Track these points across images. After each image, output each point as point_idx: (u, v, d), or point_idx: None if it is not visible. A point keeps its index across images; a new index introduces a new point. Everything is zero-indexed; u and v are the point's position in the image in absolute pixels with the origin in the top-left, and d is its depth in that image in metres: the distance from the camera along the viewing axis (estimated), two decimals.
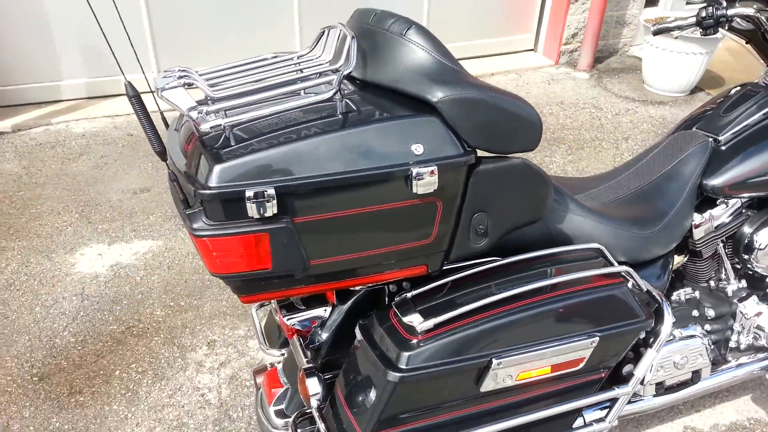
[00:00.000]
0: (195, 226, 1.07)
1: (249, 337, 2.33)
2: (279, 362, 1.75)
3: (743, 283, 1.85)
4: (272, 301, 1.66)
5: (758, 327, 1.82)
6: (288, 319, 1.42)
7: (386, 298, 1.40)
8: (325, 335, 1.45)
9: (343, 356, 1.42)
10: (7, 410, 2.03)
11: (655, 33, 2.11)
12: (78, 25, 3.90)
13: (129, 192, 3.21)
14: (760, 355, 1.85)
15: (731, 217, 1.73)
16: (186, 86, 1.22)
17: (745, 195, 1.68)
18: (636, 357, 1.55)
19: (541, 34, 5.20)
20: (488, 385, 1.26)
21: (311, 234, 1.10)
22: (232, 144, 1.08)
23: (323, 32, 1.36)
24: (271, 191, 1.03)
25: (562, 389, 1.39)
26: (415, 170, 1.09)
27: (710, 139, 1.70)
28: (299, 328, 1.44)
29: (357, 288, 1.39)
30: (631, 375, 1.49)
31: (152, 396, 2.09)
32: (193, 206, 1.10)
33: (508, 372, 1.26)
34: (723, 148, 1.70)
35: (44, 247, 2.78)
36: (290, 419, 1.50)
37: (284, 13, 4.38)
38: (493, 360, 1.23)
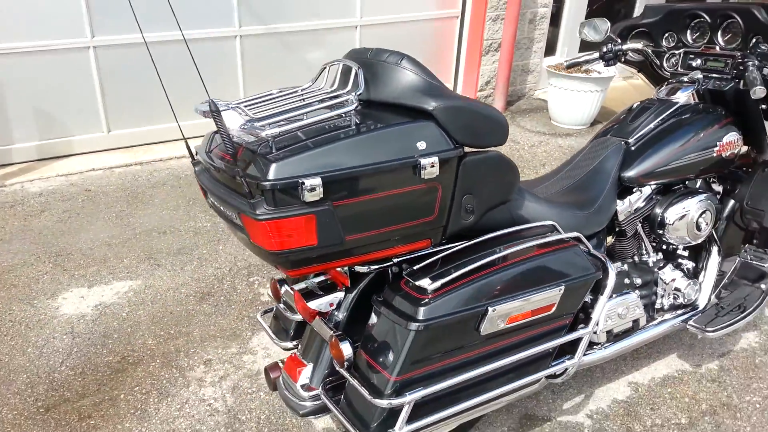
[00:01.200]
0: (258, 212, 1.35)
1: (242, 353, 2.53)
2: (291, 353, 2.00)
3: (660, 255, 2.28)
4: (280, 300, 1.94)
5: (675, 289, 2.25)
6: (311, 304, 1.69)
7: (390, 278, 1.72)
8: (341, 315, 1.74)
9: (359, 329, 1.70)
10: None
11: (568, 67, 2.62)
12: (27, 88, 4.05)
13: (98, 241, 3.34)
14: (679, 312, 2.28)
15: (645, 202, 2.17)
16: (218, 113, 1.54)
17: (654, 183, 2.13)
18: (588, 313, 1.92)
19: (459, 82, 5.78)
20: (486, 328, 1.59)
21: (346, 214, 1.41)
22: (279, 148, 1.38)
23: (324, 68, 1.71)
24: (318, 180, 1.34)
25: (540, 333, 1.73)
26: (422, 161, 1.44)
27: (622, 142, 2.15)
28: (321, 310, 1.71)
29: (367, 271, 1.69)
30: (589, 318, 1.85)
31: (161, 411, 2.24)
32: (252, 198, 1.37)
33: (500, 316, 1.60)
34: (632, 148, 2.15)
35: (24, 295, 2.87)
36: (317, 390, 1.75)
37: (229, 71, 4.71)
38: (489, 308, 1.57)
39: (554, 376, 1.85)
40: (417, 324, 1.49)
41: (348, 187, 1.39)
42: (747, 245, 2.38)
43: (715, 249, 2.31)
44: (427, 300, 1.52)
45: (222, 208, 1.55)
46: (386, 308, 1.57)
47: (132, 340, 2.61)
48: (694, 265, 2.31)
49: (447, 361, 1.58)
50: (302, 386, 1.77)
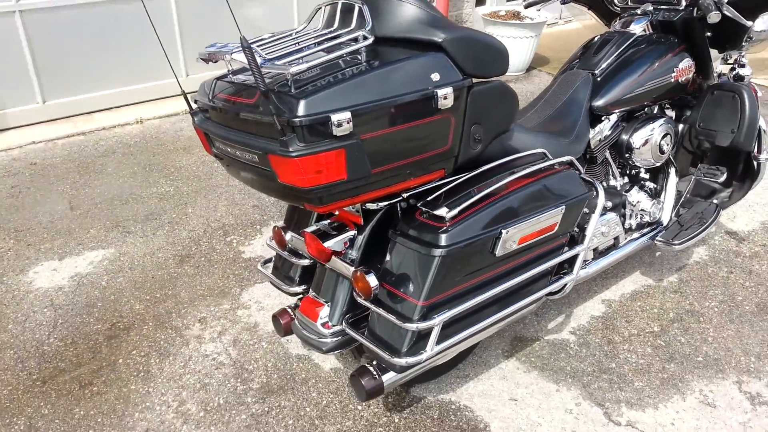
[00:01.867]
0: (291, 149, 1.37)
1: (235, 309, 2.55)
2: (300, 297, 2.05)
3: (626, 179, 2.46)
4: (285, 247, 1.98)
5: (642, 210, 2.44)
6: (327, 244, 1.75)
7: (399, 214, 1.79)
8: (356, 252, 1.80)
9: (374, 264, 1.77)
10: (24, 412, 2.08)
11: (526, 6, 2.71)
12: None
13: (57, 213, 3.21)
14: (646, 230, 2.48)
15: (612, 129, 2.32)
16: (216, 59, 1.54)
17: (620, 110, 2.29)
18: (579, 235, 2.08)
19: None
20: (500, 250, 1.70)
21: (372, 147, 1.46)
22: (303, 86, 1.41)
23: (318, 9, 1.73)
24: (347, 115, 1.38)
25: (544, 252, 1.86)
26: (438, 92, 1.50)
27: (589, 74, 2.29)
28: (336, 249, 1.77)
29: (377, 208, 1.76)
30: (583, 236, 2.00)
31: (166, 370, 2.24)
32: (284, 136, 1.39)
33: (512, 238, 1.71)
34: (599, 79, 2.29)
35: None
36: (337, 326, 1.82)
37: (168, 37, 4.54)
38: (502, 230, 1.67)
39: (553, 293, 2.00)
40: (441, 250, 1.58)
41: (373, 121, 1.44)
42: (700, 164, 2.61)
43: (672, 170, 2.52)
44: (446, 227, 1.61)
45: (238, 153, 1.56)
46: (407, 239, 1.65)
47: (118, 306, 2.56)
48: (655, 186, 2.51)
49: (466, 283, 1.68)
50: (322, 324, 1.83)
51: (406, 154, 1.53)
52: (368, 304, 1.70)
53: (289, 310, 2.03)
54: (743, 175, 2.50)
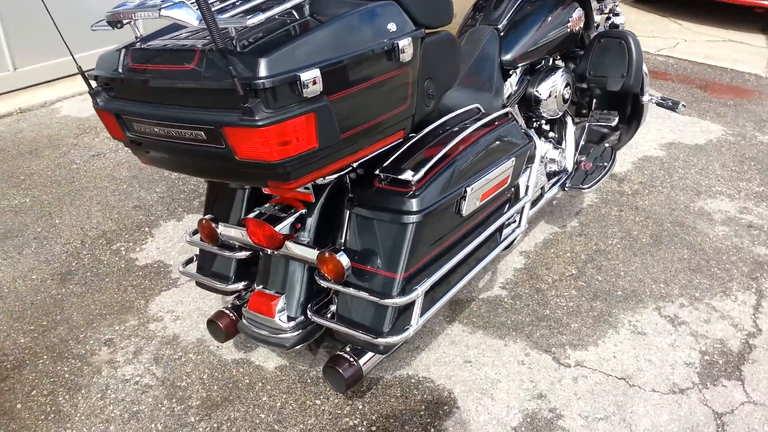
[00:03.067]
0: (257, 117, 1.18)
1: (145, 323, 2.24)
2: (236, 297, 1.85)
3: (533, 132, 2.53)
4: (217, 242, 1.76)
5: (550, 159, 2.52)
6: (279, 228, 1.57)
7: (349, 186, 1.66)
8: (308, 234, 1.64)
9: (329, 244, 1.63)
10: None
11: None
12: None
13: None
14: (555, 179, 2.57)
15: (518, 83, 2.36)
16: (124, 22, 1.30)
17: (526, 63, 2.32)
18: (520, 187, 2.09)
19: None
20: (466, 209, 1.63)
21: (340, 109, 1.31)
22: (259, 43, 1.22)
23: None
24: (316, 72, 1.22)
25: (498, 206, 1.84)
26: (399, 43, 1.39)
27: (493, 29, 2.29)
28: (288, 233, 1.60)
29: (325, 182, 1.61)
30: (527, 186, 2.01)
31: (81, 406, 1.91)
32: (245, 102, 1.19)
33: (475, 195, 1.65)
34: (503, 33, 2.30)
35: None
36: (298, 319, 1.65)
37: None
38: (467, 189, 1.61)
39: (505, 247, 1.99)
40: (414, 216, 1.48)
41: (340, 79, 1.29)
42: (592, 111, 2.75)
43: (569, 119, 2.63)
44: (413, 191, 1.51)
45: (173, 132, 1.33)
46: (371, 210, 1.52)
47: None
48: (556, 135, 2.61)
49: (437, 249, 1.60)
50: (281, 319, 1.65)
51: (372, 115, 1.41)
52: (338, 287, 1.56)
53: (227, 311, 1.82)
54: (630, 117, 2.68)
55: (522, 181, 2.03)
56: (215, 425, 1.84)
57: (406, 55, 1.41)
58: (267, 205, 1.65)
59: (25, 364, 2.07)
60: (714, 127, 3.89)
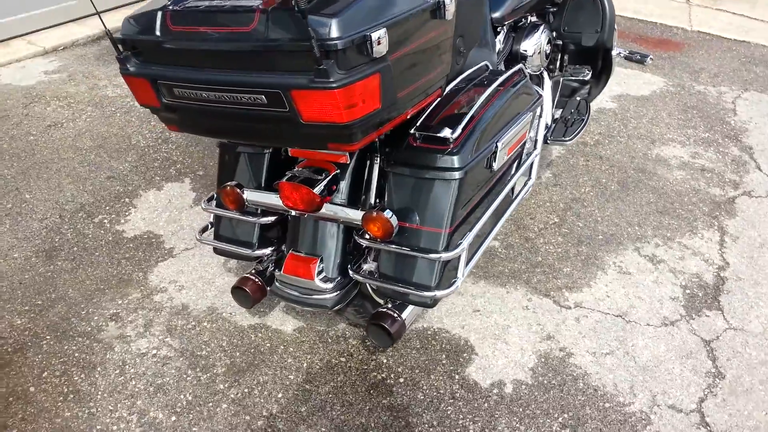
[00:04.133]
0: (333, 79, 1.15)
1: (150, 295, 2.16)
2: (261, 263, 1.81)
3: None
4: (243, 207, 1.72)
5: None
6: (317, 191, 1.54)
7: (378, 145, 1.65)
8: (343, 194, 1.63)
9: (359, 203, 1.62)
10: None
11: None
12: None
13: None
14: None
15: (505, 40, 2.38)
16: None
17: (513, 20, 2.35)
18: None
19: None
20: (497, 163, 1.66)
21: (398, 69, 1.29)
22: (323, 3, 1.18)
23: None
24: (384, 32, 1.19)
25: (517, 160, 1.88)
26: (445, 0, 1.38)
27: None
28: (328, 194, 1.57)
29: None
30: (535, 140, 2.06)
31: (101, 384, 1.84)
32: (319, 64, 1.15)
33: (504, 150, 1.69)
34: None
35: None
36: (337, 280, 1.64)
37: None
38: (497, 144, 1.64)
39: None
40: (458, 172, 1.49)
41: (398, 38, 1.28)
42: (566, 66, 2.82)
43: (546, 74, 2.69)
44: (452, 149, 1.52)
45: (226, 97, 1.27)
46: (413, 168, 1.52)
47: None
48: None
49: (473, 203, 1.63)
50: (320, 280, 1.64)
51: (420, 74, 1.40)
52: (381, 246, 1.55)
53: (252, 276, 1.78)
54: (601, 71, 2.77)
55: (531, 135, 2.08)
56: (246, 390, 1.83)
57: (449, 13, 1.40)
58: (298, 168, 1.62)
59: (27, 347, 1.95)
60: (655, 79, 4.09)
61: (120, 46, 1.37)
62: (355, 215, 1.56)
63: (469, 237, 1.58)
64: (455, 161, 1.50)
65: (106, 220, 2.53)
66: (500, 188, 1.79)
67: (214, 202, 1.84)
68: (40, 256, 2.33)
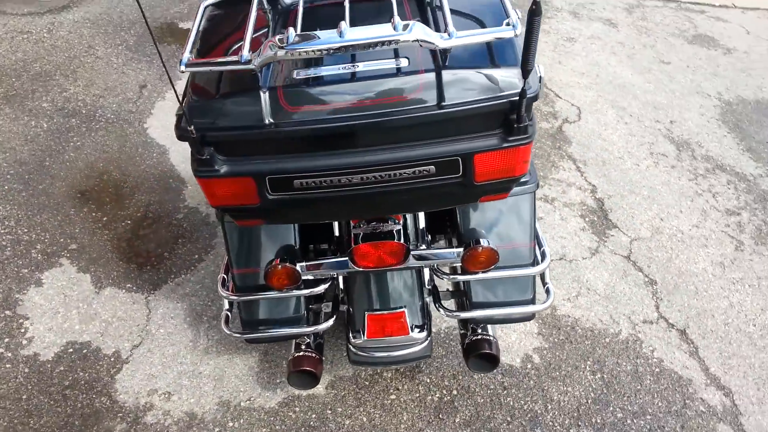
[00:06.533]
0: (529, 134, 1.10)
1: (136, 421, 1.71)
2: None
3: None
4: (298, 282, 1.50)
5: None
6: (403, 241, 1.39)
7: None
8: (417, 235, 1.53)
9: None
10: None
11: None
12: None
13: None
14: None
15: None
16: None
17: None
18: None
19: None
20: None
21: None
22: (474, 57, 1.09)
23: None
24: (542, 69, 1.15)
25: None
26: None
27: None
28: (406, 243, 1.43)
29: None
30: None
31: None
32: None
33: None
34: None
35: None
36: (426, 325, 1.53)
37: None
38: None
39: None
40: (533, 185, 1.48)
41: None
42: None
43: None
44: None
45: (377, 176, 1.07)
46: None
47: None
48: None
49: None
50: (414, 332, 1.50)
51: None
52: (482, 276, 1.46)
53: (306, 353, 1.54)
54: None
55: None
56: None
57: None
58: (357, 226, 1.40)
59: None
60: None
61: (200, 145, 1.00)
62: (450, 255, 1.45)
63: (546, 245, 1.60)
64: (527, 174, 1.48)
65: (7, 352, 1.87)
66: None
67: (230, 285, 1.52)
68: None
